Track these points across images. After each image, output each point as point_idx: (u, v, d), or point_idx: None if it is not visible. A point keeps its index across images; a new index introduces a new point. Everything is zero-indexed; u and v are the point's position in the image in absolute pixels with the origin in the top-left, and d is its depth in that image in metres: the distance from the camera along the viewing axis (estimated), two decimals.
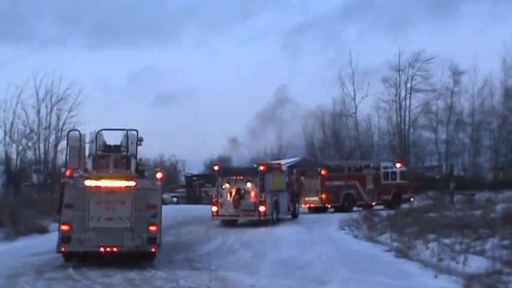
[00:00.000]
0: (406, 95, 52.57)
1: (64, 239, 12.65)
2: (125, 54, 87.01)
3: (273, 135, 55.66)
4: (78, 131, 14.13)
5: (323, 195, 32.08)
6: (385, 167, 34.72)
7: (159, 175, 13.56)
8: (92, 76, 75.54)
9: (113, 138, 14.54)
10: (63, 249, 12.81)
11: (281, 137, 56.02)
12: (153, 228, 12.82)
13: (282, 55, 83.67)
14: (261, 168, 24.72)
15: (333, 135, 53.61)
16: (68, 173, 13.00)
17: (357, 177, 33.26)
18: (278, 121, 48.53)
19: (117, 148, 14.25)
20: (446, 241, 14.15)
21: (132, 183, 12.87)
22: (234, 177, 24.60)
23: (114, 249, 12.80)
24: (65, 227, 12.65)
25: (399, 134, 52.51)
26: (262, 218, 23.71)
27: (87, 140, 14.01)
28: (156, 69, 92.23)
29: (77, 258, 13.45)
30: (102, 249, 12.80)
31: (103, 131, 14.23)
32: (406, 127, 52.73)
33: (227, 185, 24.52)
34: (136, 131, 13.94)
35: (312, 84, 71.77)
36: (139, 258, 13.47)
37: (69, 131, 14.57)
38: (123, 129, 13.88)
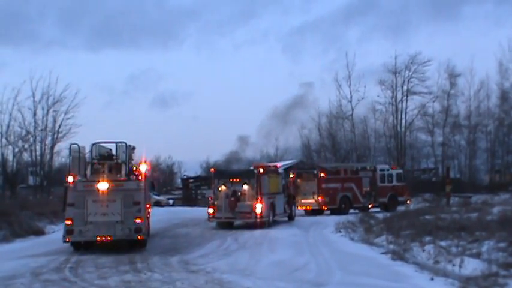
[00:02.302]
0: (402, 98, 51.98)
1: (68, 231, 15.91)
2: (124, 55, 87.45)
3: (288, 134, 55.95)
4: (77, 144, 16.94)
5: (319, 198, 31.92)
6: (381, 170, 34.64)
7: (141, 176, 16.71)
8: (91, 78, 77.04)
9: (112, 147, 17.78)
10: (67, 239, 16.05)
11: (277, 138, 55.99)
12: (138, 220, 15.95)
13: (281, 57, 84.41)
14: (258, 170, 24.68)
15: (329, 138, 53.43)
16: (69, 178, 16.06)
17: (353, 179, 33.10)
18: (294, 121, 49.26)
19: (110, 157, 17.37)
20: (443, 243, 14.13)
21: (120, 185, 16.09)
22: (231, 180, 24.62)
23: (108, 238, 15.94)
24: (68, 222, 15.93)
25: (396, 136, 52.27)
26: (258, 220, 23.67)
27: (86, 151, 17.25)
28: (156, 71, 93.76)
29: (82, 248, 16.54)
30: (98, 238, 15.94)
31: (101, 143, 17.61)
32: (403, 129, 52.58)
33: (223, 187, 24.45)
34: (125, 142, 17.02)
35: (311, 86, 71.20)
36: (133, 247, 16.36)
37: (71, 144, 17.04)
38: (114, 142, 17.20)
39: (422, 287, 11.08)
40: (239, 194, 24.16)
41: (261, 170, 24.73)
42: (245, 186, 24.24)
